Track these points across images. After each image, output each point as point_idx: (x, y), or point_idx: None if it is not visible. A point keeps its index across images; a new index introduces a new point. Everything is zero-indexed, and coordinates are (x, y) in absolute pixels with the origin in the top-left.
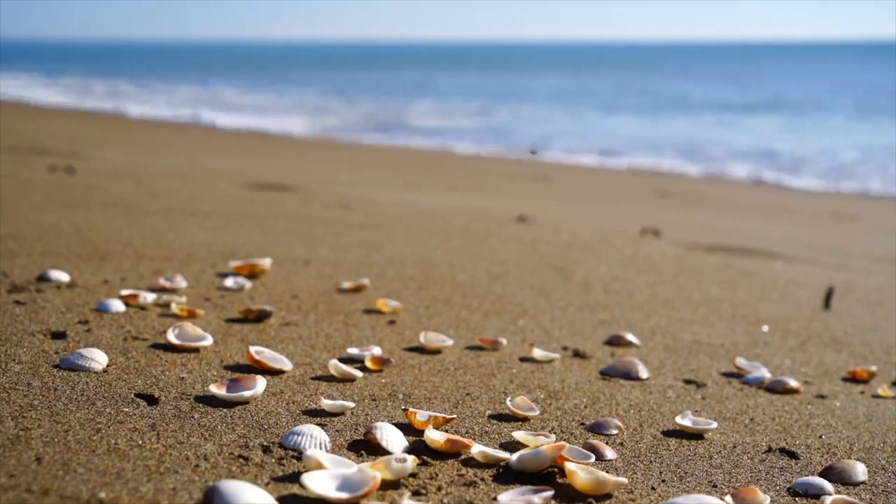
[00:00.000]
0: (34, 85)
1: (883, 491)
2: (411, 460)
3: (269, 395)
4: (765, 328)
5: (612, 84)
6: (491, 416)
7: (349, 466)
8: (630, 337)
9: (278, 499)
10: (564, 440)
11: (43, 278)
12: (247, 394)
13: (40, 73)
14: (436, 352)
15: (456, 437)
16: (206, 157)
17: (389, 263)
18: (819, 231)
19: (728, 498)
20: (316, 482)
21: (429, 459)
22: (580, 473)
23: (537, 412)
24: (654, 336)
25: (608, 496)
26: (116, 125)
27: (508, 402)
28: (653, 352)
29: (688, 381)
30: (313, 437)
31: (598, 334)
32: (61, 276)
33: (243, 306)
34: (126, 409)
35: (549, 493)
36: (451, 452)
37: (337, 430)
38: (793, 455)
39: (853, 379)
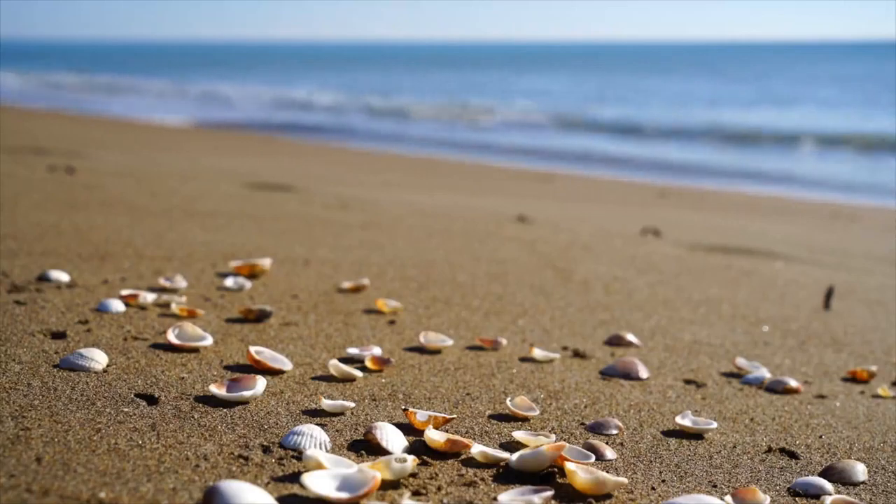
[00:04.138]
0: (34, 85)
1: (883, 491)
2: (411, 460)
3: (269, 395)
4: (765, 328)
5: (610, 85)
6: (491, 416)
7: (349, 466)
8: (630, 337)
9: (278, 499)
10: (564, 440)
11: (43, 278)
12: (247, 394)
13: (40, 72)
14: (436, 352)
15: (456, 437)
16: (206, 157)
17: (389, 263)
18: (819, 231)
19: (728, 498)
20: (316, 482)
21: (429, 459)
22: (580, 473)
23: (537, 412)
24: (654, 336)
25: (608, 496)
26: (116, 125)
27: (508, 402)
28: (653, 352)
29: (688, 381)
30: (313, 437)
31: (598, 334)
32: (61, 276)
33: (243, 306)
34: (126, 409)
35: (549, 493)
36: (451, 452)
37: (337, 430)
38: (793, 455)
39: (853, 379)
